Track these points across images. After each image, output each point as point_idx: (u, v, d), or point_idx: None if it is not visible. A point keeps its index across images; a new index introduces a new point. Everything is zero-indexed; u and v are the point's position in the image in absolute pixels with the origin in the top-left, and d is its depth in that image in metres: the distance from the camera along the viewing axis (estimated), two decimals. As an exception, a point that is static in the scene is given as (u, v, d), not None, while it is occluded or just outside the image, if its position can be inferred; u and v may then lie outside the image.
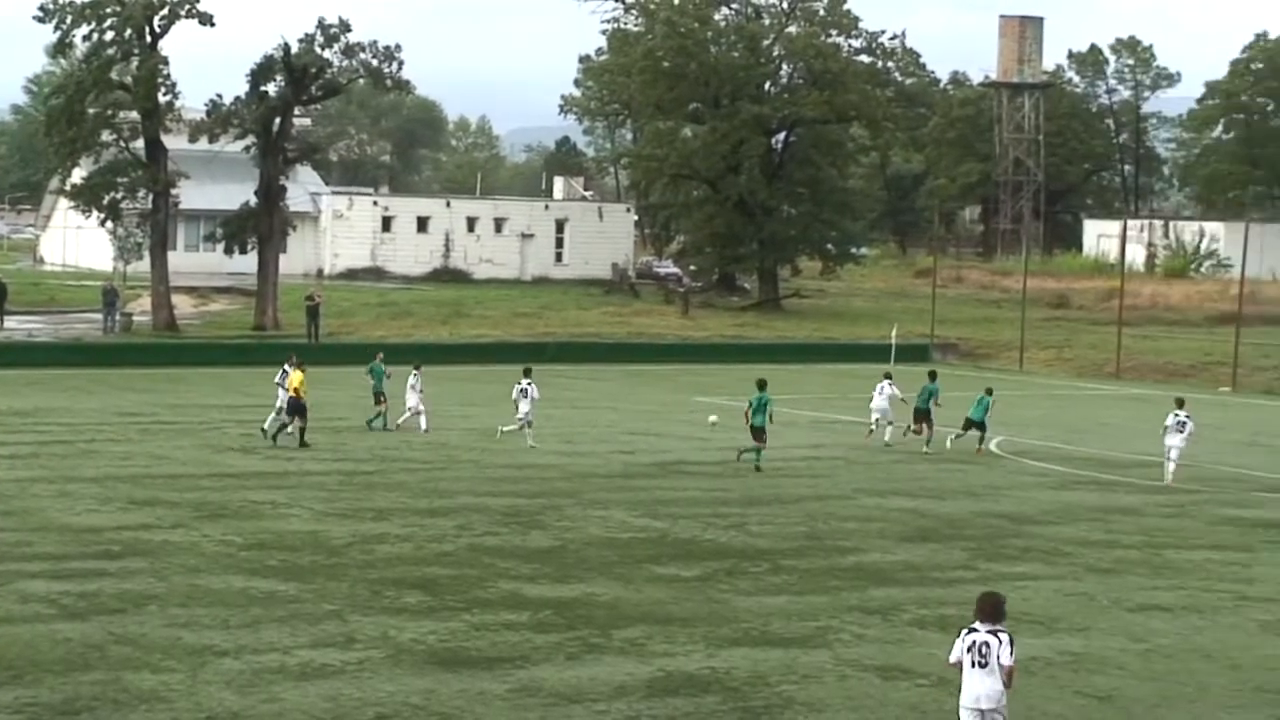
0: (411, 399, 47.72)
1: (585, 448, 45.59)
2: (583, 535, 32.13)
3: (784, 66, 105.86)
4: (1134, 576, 29.93)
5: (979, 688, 17.74)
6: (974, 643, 17.79)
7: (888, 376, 50.06)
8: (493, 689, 21.36)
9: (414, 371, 48.15)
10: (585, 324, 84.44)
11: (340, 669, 22.03)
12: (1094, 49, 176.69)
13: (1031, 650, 23.84)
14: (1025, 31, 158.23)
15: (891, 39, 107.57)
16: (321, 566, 28.37)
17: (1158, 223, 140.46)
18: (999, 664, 17.62)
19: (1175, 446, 42.75)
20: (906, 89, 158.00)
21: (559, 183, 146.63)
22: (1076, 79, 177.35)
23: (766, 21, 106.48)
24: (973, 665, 17.77)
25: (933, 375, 49.74)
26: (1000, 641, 17.66)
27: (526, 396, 45.30)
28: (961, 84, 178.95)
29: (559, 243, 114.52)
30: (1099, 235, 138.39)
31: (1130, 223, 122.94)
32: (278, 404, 45.25)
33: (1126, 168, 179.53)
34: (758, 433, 42.42)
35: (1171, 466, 42.71)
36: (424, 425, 47.35)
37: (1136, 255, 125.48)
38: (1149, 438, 49.16)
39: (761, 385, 43.26)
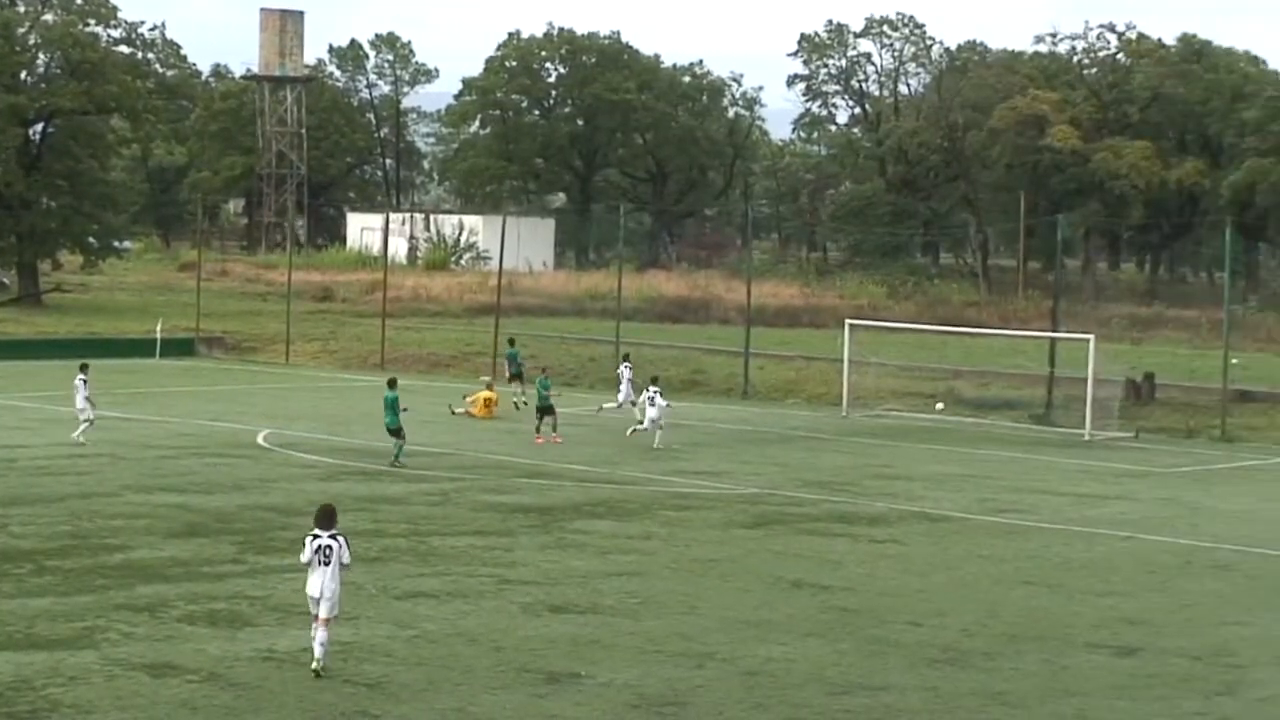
0: None
1: None
2: None
3: (41, 55, 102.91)
4: (400, 564, 30.50)
5: (322, 580, 22.63)
6: (319, 546, 22.72)
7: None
8: None
9: None
10: None
11: None
12: (354, 44, 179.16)
13: (301, 641, 24.02)
14: (286, 25, 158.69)
15: (152, 30, 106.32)
16: None
17: (419, 216, 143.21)
18: (340, 562, 22.68)
19: (652, 419, 49.27)
20: (168, 81, 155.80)
21: None
22: (338, 73, 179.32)
23: (22, 9, 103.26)
24: (319, 564, 22.69)
25: (544, 370, 54.76)
26: (340, 545, 22.73)
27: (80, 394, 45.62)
28: (223, 76, 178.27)
29: None
30: (362, 228, 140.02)
31: (392, 216, 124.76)
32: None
33: (388, 162, 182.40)
34: (394, 432, 43.62)
35: (644, 425, 49.39)
36: None
37: (399, 248, 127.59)
38: (411, 427, 50.11)
39: (391, 384, 44.80)
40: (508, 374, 61.31)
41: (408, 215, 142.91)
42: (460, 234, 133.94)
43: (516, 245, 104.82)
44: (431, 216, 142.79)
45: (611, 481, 42.55)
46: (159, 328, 78.13)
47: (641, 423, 50.52)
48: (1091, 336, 59.46)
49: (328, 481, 40.90)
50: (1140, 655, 25.39)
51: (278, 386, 65.92)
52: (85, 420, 45.67)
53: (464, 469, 43.97)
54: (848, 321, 65.73)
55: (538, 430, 50.23)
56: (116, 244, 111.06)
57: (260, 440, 48.53)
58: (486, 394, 57.57)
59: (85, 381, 45.91)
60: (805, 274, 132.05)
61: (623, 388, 56.92)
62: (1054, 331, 65.06)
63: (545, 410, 50.54)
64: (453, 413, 56.36)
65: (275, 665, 23.05)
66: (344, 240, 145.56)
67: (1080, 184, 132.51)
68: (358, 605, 26.57)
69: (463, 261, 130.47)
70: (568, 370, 72.24)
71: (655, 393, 49.51)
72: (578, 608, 27.43)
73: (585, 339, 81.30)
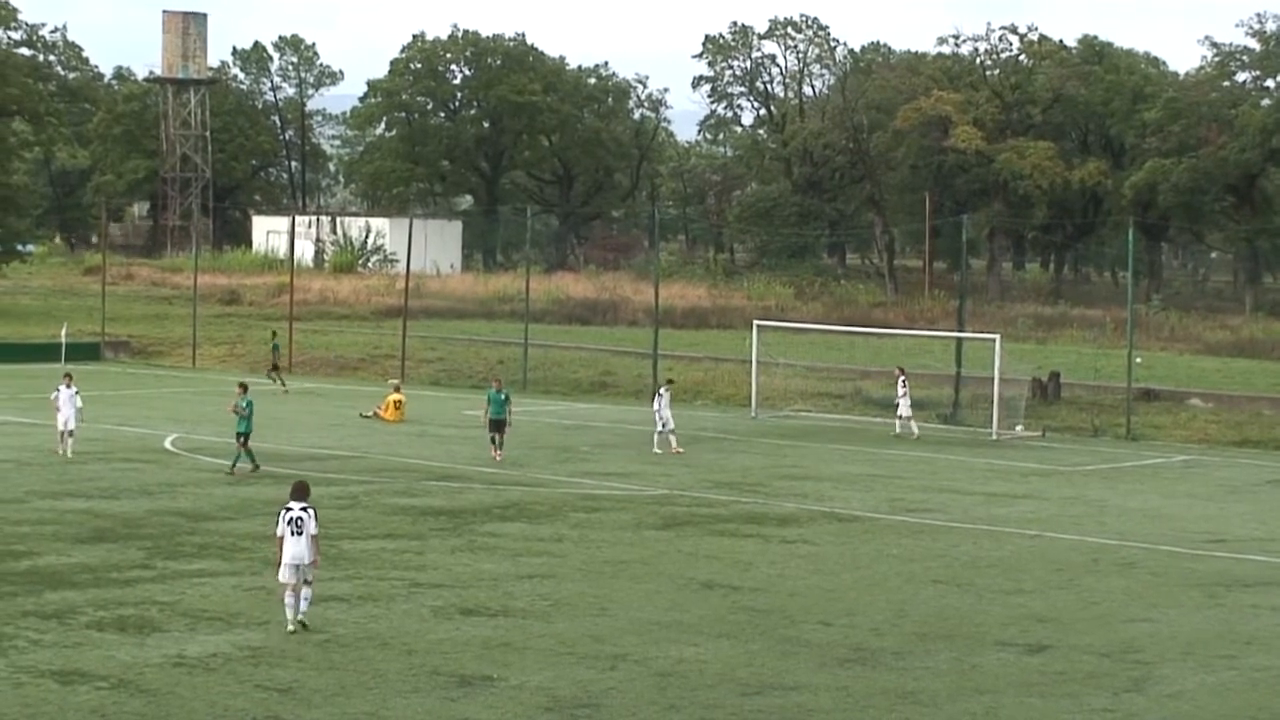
0: None
1: None
2: None
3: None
4: (311, 568, 30.34)
5: (296, 549, 24.67)
6: (292, 517, 24.72)
7: None
8: None
9: None
10: None
11: None
12: (258, 46, 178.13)
13: (211, 646, 23.96)
14: (189, 27, 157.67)
15: (53, 32, 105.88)
16: None
17: (325, 219, 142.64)
18: (309, 533, 24.67)
19: (900, 401, 55.62)
20: (70, 83, 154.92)
21: None
22: (242, 76, 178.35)
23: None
24: (292, 534, 24.66)
25: (498, 381, 49.81)
26: (309, 516, 24.74)
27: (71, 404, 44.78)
28: (126, 79, 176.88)
29: None
30: (268, 231, 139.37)
31: (299, 218, 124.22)
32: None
33: (293, 164, 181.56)
34: (242, 437, 43.04)
35: (903, 420, 55.37)
36: None
37: (306, 251, 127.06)
38: (320, 431, 50.03)
39: (244, 389, 44.37)
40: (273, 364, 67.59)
41: (314, 218, 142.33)
42: (367, 236, 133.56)
43: (424, 248, 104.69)
44: (338, 219, 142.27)
45: (521, 484, 42.49)
46: (64, 332, 77.44)
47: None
48: (997, 336, 59.86)
49: (235, 486, 40.69)
50: (1049, 653, 25.58)
51: (184, 390, 65.52)
52: (67, 431, 45.00)
53: (373, 472, 43.82)
54: (755, 322, 65.90)
55: (495, 444, 46.93)
56: (20, 247, 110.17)
57: (167, 445, 48.22)
58: (395, 396, 57.46)
59: (75, 393, 45.22)
60: (712, 275, 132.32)
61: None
62: (960, 331, 65.45)
63: (498, 425, 47.17)
64: (362, 417, 56.27)
65: (186, 671, 22.91)
66: (250, 243, 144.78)
67: (984, 184, 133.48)
68: (268, 610, 26.44)
69: (370, 264, 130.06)
70: (476, 373, 72.18)
71: (904, 380, 55.85)
72: (489, 610, 27.39)
73: (494, 341, 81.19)
